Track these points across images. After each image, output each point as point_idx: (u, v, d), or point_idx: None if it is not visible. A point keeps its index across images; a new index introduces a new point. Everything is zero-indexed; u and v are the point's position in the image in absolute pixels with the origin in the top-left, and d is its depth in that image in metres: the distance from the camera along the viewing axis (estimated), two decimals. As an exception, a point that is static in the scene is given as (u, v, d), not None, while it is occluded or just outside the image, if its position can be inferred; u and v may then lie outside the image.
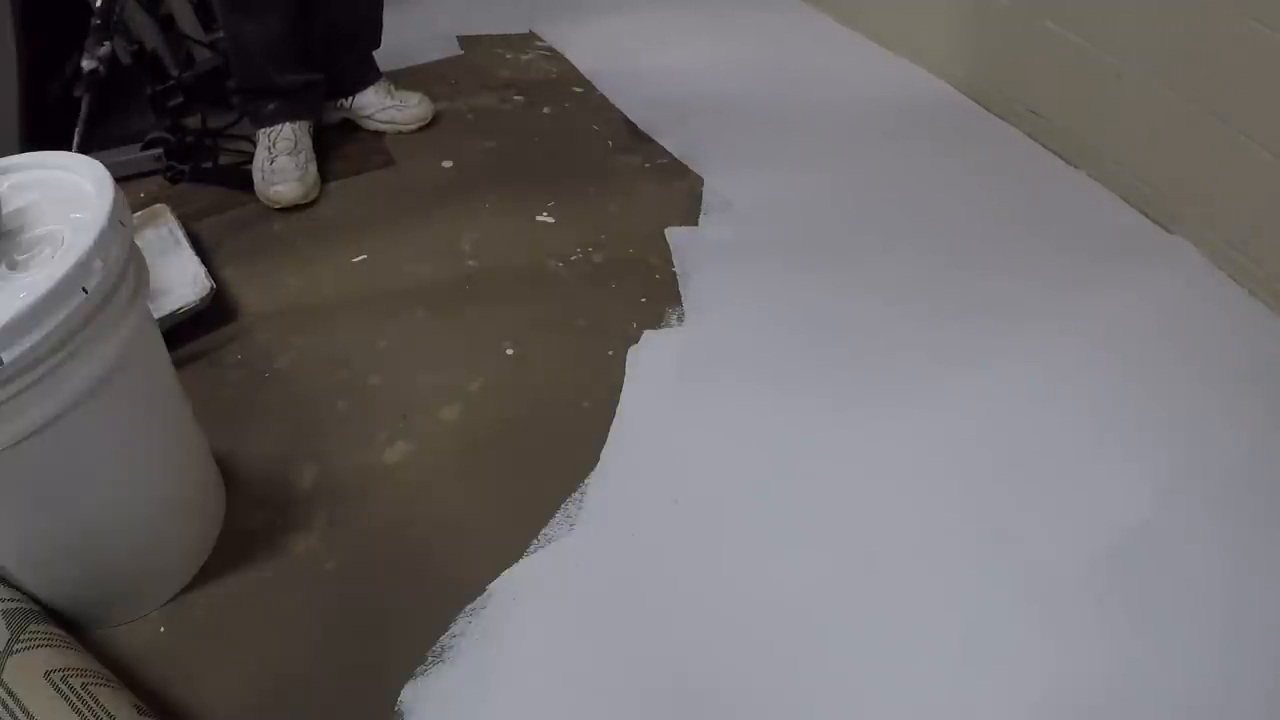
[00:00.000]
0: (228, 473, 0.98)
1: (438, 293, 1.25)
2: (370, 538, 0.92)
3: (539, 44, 1.95)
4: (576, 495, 0.96)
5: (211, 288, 1.16)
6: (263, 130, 1.45)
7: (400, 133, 1.60)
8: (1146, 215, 1.35)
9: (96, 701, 0.67)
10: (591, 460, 0.99)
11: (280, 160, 1.42)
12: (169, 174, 1.40)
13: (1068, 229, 1.34)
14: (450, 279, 1.28)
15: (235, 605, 0.86)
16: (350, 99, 1.58)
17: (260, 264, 1.30)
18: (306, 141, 1.47)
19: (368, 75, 1.59)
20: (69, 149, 0.79)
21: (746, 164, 1.52)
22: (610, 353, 1.14)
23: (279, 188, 1.39)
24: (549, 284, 1.27)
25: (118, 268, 0.70)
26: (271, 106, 1.44)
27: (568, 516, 0.94)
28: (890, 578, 0.87)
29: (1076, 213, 1.38)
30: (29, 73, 1.36)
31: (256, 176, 1.42)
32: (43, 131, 1.39)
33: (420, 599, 0.86)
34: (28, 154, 0.78)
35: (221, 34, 1.55)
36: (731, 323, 1.18)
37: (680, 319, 1.20)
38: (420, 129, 1.62)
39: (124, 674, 0.77)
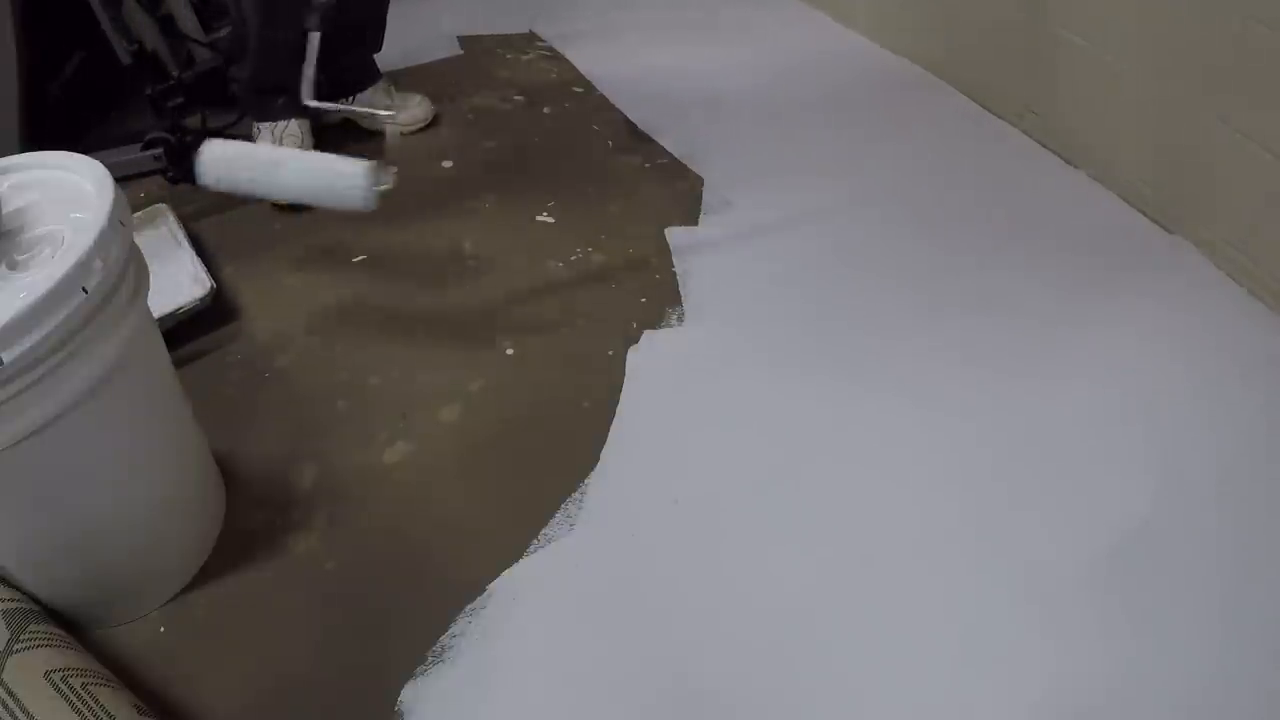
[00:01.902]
0: (228, 473, 0.98)
1: (438, 292, 1.25)
2: (370, 538, 0.92)
3: (539, 44, 1.95)
4: (576, 495, 0.96)
5: (211, 288, 1.16)
6: (266, 125, 1.45)
7: (400, 133, 1.60)
8: (1146, 215, 1.35)
9: (96, 701, 0.67)
10: (591, 460, 0.99)
11: None
12: (169, 174, 1.40)
13: (1067, 229, 1.34)
14: (450, 279, 1.28)
15: (235, 605, 0.86)
16: (351, 99, 1.59)
17: (260, 264, 1.30)
18: (310, 140, 1.47)
19: (368, 76, 1.59)
20: (69, 149, 0.79)
21: (746, 164, 1.52)
22: (610, 353, 1.14)
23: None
24: (549, 284, 1.27)
25: (118, 268, 0.70)
26: (281, 101, 1.43)
27: (568, 516, 0.94)
28: (890, 577, 0.87)
29: (1076, 213, 1.38)
30: (29, 73, 1.36)
31: None
32: (43, 131, 1.39)
33: (420, 599, 0.86)
34: (28, 154, 0.78)
35: (224, 32, 1.56)
36: (731, 322, 1.19)
37: (680, 319, 1.20)
38: (420, 129, 1.62)
39: (124, 674, 0.77)
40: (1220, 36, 1.15)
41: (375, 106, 1.58)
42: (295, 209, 1.41)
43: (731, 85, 1.76)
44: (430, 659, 0.81)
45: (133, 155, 1.42)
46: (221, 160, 1.13)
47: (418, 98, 1.63)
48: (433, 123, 1.63)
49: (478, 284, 1.27)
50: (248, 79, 1.44)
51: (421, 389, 1.10)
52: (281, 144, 1.43)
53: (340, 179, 1.09)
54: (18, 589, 0.77)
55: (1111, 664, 0.80)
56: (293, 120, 1.45)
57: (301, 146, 1.44)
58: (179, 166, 1.41)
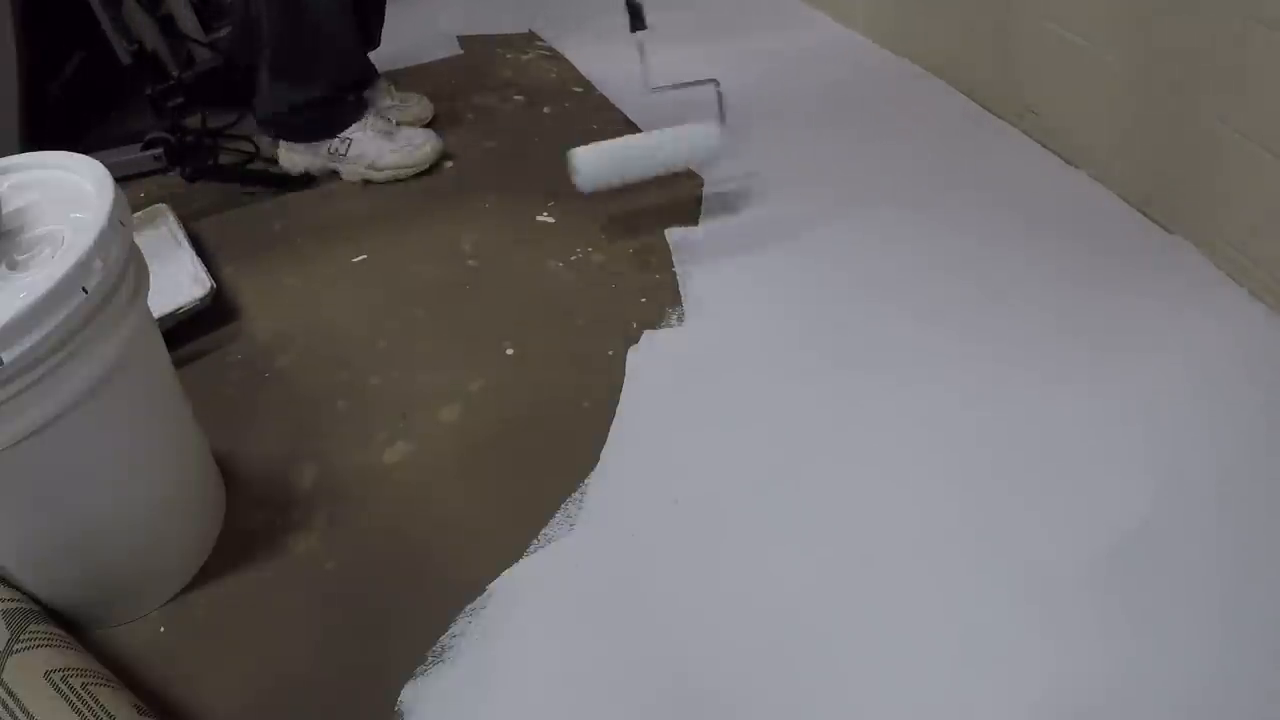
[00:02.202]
0: (228, 473, 0.98)
1: (438, 293, 1.25)
2: (370, 538, 0.92)
3: (539, 44, 1.95)
4: (576, 495, 0.96)
5: (211, 287, 1.16)
6: (351, 130, 1.43)
7: None
8: (1146, 215, 1.35)
9: (96, 701, 0.67)
10: (591, 460, 0.99)
11: (406, 130, 1.48)
12: (184, 172, 1.40)
13: (1067, 229, 1.34)
14: (450, 279, 1.28)
15: (235, 605, 0.86)
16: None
17: (260, 264, 1.30)
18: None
19: (368, 75, 1.59)
20: (69, 149, 0.79)
21: (746, 164, 1.51)
22: (610, 353, 1.14)
23: (428, 146, 1.47)
24: (549, 284, 1.27)
25: (118, 268, 0.70)
26: (352, 99, 1.45)
27: (568, 516, 0.94)
28: (890, 577, 0.87)
29: (1076, 213, 1.38)
30: (29, 73, 1.36)
31: (386, 156, 1.44)
32: (43, 131, 1.39)
33: (420, 599, 0.86)
34: (28, 154, 0.79)
35: (224, 33, 1.56)
36: (731, 323, 1.18)
37: (680, 319, 1.20)
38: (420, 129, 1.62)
39: (124, 674, 0.77)
40: (1220, 36, 1.15)
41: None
42: (294, 206, 1.41)
43: (731, 85, 1.75)
44: (430, 659, 0.81)
45: (133, 155, 1.42)
46: (600, 163, 1.28)
47: (417, 98, 1.63)
48: (432, 123, 1.63)
49: (478, 284, 1.27)
50: (318, 95, 1.39)
51: (421, 389, 1.10)
52: (382, 125, 1.45)
53: (705, 139, 1.32)
54: (18, 589, 0.77)
55: (1111, 664, 0.80)
56: (368, 113, 1.46)
57: (391, 129, 1.46)
58: (183, 164, 1.41)
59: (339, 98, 1.41)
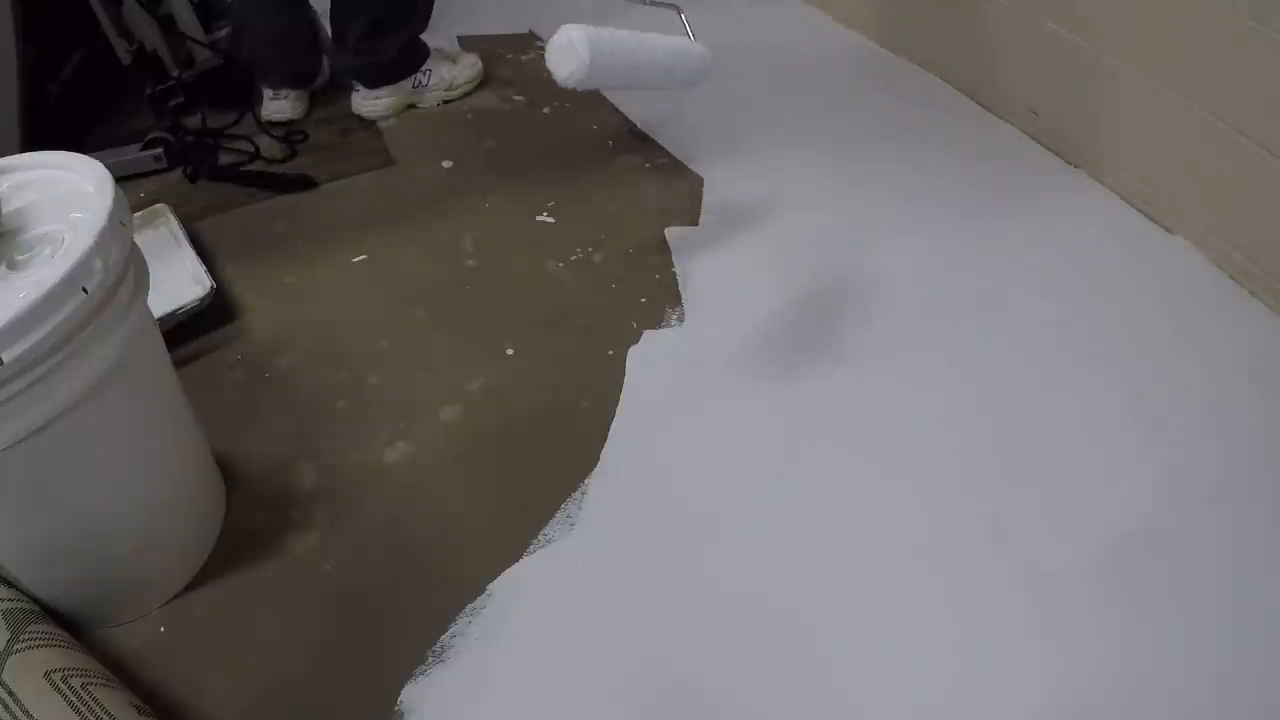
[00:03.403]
0: (228, 473, 0.98)
1: (438, 293, 1.25)
2: (370, 538, 0.92)
3: (539, 44, 1.95)
4: (576, 495, 0.96)
5: (211, 287, 1.16)
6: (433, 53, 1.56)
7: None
8: (1147, 215, 1.35)
9: (96, 701, 0.67)
10: (591, 460, 0.99)
11: (451, 49, 1.62)
12: (184, 172, 1.40)
13: (1067, 229, 1.34)
14: (450, 279, 1.28)
15: (235, 605, 0.86)
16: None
17: (260, 264, 1.30)
18: None
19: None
20: (69, 149, 0.78)
21: (747, 163, 1.52)
22: (610, 353, 1.14)
23: (478, 61, 1.67)
24: (549, 284, 1.27)
25: (118, 268, 0.70)
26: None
27: (568, 516, 0.94)
28: (891, 578, 0.87)
29: (1076, 213, 1.38)
30: (29, 73, 1.36)
31: (460, 74, 1.60)
32: (43, 131, 1.39)
33: (420, 599, 0.86)
34: (28, 154, 0.78)
35: (224, 33, 1.56)
36: (731, 323, 1.19)
37: (680, 319, 1.20)
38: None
39: (124, 674, 0.77)
40: (1221, 36, 1.15)
41: None
42: (294, 208, 1.41)
43: (733, 84, 1.76)
44: (430, 659, 0.81)
45: (133, 155, 1.42)
46: (601, 41, 1.05)
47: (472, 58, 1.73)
48: (433, 124, 1.63)
49: (477, 284, 1.27)
50: (417, 30, 1.48)
51: (421, 389, 1.10)
52: (446, 60, 1.57)
53: (695, 55, 1.24)
54: (18, 589, 0.77)
55: (1111, 664, 0.80)
56: None
57: (446, 52, 1.57)
58: (184, 164, 1.41)
59: (422, 31, 1.51)
